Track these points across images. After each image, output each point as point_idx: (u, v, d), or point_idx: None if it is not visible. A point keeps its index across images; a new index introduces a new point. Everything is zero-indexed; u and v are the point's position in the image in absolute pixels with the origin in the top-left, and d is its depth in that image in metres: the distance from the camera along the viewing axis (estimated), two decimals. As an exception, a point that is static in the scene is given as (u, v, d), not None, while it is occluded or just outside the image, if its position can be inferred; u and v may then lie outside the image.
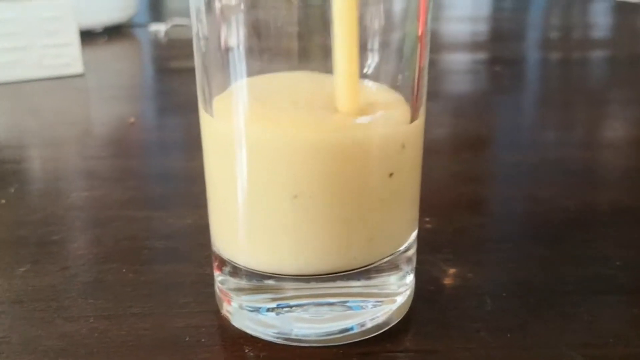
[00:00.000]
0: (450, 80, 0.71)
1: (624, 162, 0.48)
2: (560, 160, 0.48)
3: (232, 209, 0.27)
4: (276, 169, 0.25)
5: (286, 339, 0.27)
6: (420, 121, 0.27)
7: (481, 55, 0.88)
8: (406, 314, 0.29)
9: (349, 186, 0.25)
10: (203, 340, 0.27)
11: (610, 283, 0.31)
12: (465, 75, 0.76)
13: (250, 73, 0.25)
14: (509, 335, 0.27)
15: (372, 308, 0.28)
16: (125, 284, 0.31)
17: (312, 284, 0.27)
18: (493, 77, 0.74)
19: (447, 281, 0.31)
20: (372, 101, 0.26)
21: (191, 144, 0.50)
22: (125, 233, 0.36)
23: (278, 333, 0.27)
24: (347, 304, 0.28)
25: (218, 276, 0.29)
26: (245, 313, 0.28)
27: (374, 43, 0.25)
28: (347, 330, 0.28)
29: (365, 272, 0.27)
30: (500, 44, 0.96)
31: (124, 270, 0.32)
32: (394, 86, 0.26)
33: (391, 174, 0.26)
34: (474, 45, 0.97)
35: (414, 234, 0.30)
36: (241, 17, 0.24)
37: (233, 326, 0.28)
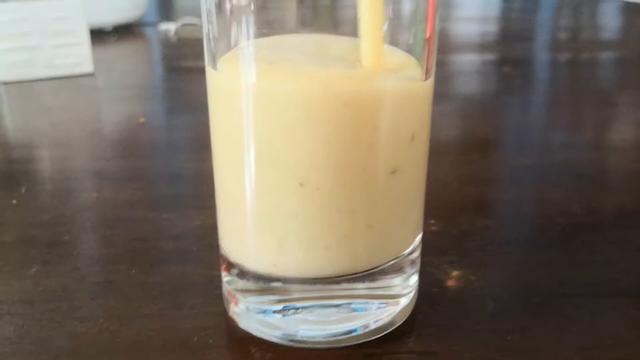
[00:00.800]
0: (459, 81, 0.72)
1: (630, 165, 0.48)
2: (567, 163, 0.48)
3: (239, 197, 0.27)
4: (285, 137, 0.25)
5: (292, 341, 0.28)
6: (431, 81, 0.28)
7: (490, 56, 0.89)
8: (410, 316, 0.29)
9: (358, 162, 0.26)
10: (210, 341, 0.28)
11: (612, 286, 0.31)
12: (474, 76, 0.76)
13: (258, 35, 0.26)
14: (509, 337, 0.28)
15: (376, 310, 0.29)
16: (135, 285, 0.32)
17: (318, 286, 0.28)
18: (502, 78, 0.74)
19: (451, 283, 0.32)
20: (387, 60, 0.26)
21: (200, 145, 0.51)
22: (134, 234, 0.37)
23: (284, 334, 0.28)
24: (352, 306, 0.28)
25: (225, 277, 0.30)
26: (252, 315, 0.28)
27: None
28: (351, 331, 0.28)
29: (370, 274, 0.28)
30: (509, 45, 0.96)
31: (133, 271, 0.33)
32: (406, 48, 0.26)
33: (412, 137, 0.26)
34: (483, 46, 0.97)
35: (419, 237, 0.30)
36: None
37: (240, 328, 0.28)
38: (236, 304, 0.29)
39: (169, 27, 1.00)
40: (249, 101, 0.25)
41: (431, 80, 0.27)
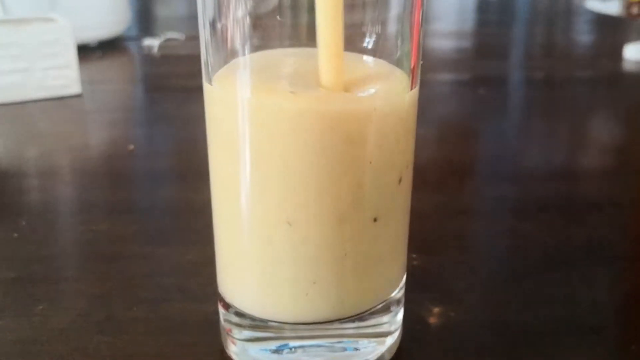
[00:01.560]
0: (434, 103, 0.74)
1: (603, 193, 0.51)
2: (541, 193, 0.51)
3: (230, 236, 0.30)
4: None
5: (288, 379, 0.30)
6: (416, 90, 0.29)
7: (465, 75, 0.91)
8: (396, 353, 0.32)
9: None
10: (211, 380, 0.30)
11: (581, 323, 0.34)
12: (449, 99, 0.79)
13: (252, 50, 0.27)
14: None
15: (364, 348, 0.31)
16: (137, 322, 0.34)
17: (312, 326, 0.30)
18: (477, 101, 0.77)
19: (432, 320, 0.34)
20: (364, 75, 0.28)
21: (189, 174, 0.53)
22: (132, 270, 0.39)
23: (280, 373, 0.30)
24: (342, 345, 0.31)
25: (223, 313, 0.32)
26: (249, 354, 0.31)
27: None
28: (343, 370, 0.30)
29: (359, 315, 0.30)
30: (485, 63, 0.99)
31: (134, 308, 0.35)
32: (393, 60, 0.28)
33: (400, 179, 0.29)
34: (457, 64, 0.99)
35: (404, 277, 0.33)
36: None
37: (238, 366, 0.31)
38: (234, 342, 0.31)
39: (153, 43, 1.02)
40: (242, 116, 0.27)
41: (416, 90, 0.29)
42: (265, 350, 0.30)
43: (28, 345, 0.32)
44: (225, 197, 0.30)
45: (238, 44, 0.27)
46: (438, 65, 0.94)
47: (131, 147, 0.60)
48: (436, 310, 0.35)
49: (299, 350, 0.30)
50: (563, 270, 0.39)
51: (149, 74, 0.94)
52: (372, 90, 0.27)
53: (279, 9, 0.27)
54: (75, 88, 0.75)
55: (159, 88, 0.84)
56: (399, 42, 0.28)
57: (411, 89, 0.28)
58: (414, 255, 0.40)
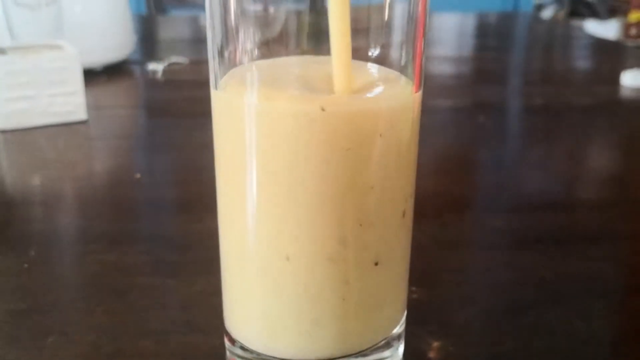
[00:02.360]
0: (433, 132, 0.75)
1: (600, 224, 0.52)
2: (538, 224, 0.52)
3: (235, 271, 0.31)
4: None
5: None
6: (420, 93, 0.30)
7: (464, 101, 0.93)
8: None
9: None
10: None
11: (579, 357, 0.35)
12: (449, 127, 0.80)
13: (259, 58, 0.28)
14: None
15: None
16: (145, 355, 0.35)
17: (315, 362, 0.31)
18: (476, 129, 0.78)
19: (432, 354, 0.35)
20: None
21: (196, 202, 0.54)
22: (140, 302, 0.40)
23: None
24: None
25: (229, 347, 0.33)
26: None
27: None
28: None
29: (361, 352, 0.31)
30: (484, 89, 1.00)
31: (143, 341, 0.36)
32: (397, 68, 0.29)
33: (404, 213, 0.30)
34: (457, 90, 1.01)
35: (405, 313, 0.34)
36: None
37: (245, 401, 0.32)
38: (241, 377, 0.32)
39: (157, 68, 1.03)
40: (248, 119, 0.27)
41: (420, 93, 0.30)
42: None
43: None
44: (229, 230, 0.31)
45: (245, 61, 0.28)
46: (437, 91, 0.95)
47: (138, 175, 0.61)
48: (436, 344, 0.36)
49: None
50: (561, 304, 0.40)
51: (153, 99, 0.96)
52: (379, 92, 0.28)
53: (284, 34, 0.28)
54: (81, 114, 0.76)
55: (164, 113, 0.85)
56: (403, 52, 0.29)
57: (415, 92, 0.29)
58: (413, 288, 0.41)
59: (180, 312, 0.39)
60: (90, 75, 0.93)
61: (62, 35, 0.93)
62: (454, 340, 0.36)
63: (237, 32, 0.28)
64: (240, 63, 0.28)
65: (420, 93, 0.30)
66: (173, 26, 1.71)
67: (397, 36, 0.29)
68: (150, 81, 1.01)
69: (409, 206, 0.31)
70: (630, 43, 2.51)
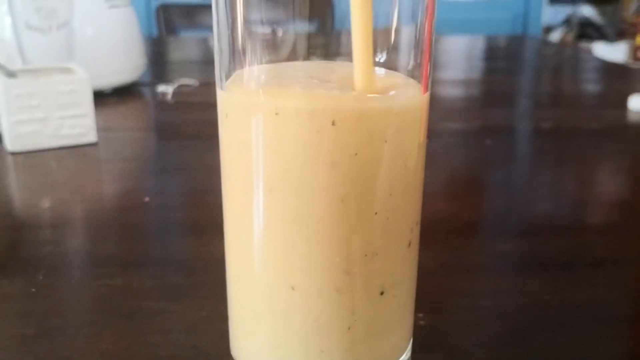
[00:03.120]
0: (441, 155, 0.75)
1: (607, 249, 0.52)
2: (546, 249, 0.52)
3: (242, 299, 0.31)
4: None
5: None
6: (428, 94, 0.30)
7: (473, 125, 0.93)
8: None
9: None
10: None
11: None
12: (457, 150, 0.81)
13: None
14: None
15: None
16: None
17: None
18: (484, 152, 0.79)
19: (439, 382, 0.35)
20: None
21: (204, 226, 0.54)
22: (147, 326, 0.40)
23: None
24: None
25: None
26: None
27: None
28: None
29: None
30: (492, 111, 1.01)
31: (150, 367, 0.36)
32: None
33: (409, 243, 0.30)
34: (465, 113, 1.01)
35: (411, 340, 0.34)
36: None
37: None
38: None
39: (167, 90, 1.04)
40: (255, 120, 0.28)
41: (428, 94, 0.30)
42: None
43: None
44: (234, 257, 0.31)
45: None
46: (446, 114, 0.96)
47: (146, 199, 0.61)
48: (442, 372, 0.36)
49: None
50: (568, 330, 0.40)
51: (162, 121, 0.96)
52: (390, 93, 0.29)
53: (293, 57, 0.29)
54: (91, 137, 0.77)
55: (173, 136, 0.86)
56: (412, 56, 0.29)
57: (423, 94, 0.30)
58: (420, 315, 0.41)
59: (187, 337, 0.39)
60: (100, 97, 0.93)
61: (73, 57, 0.94)
62: (460, 368, 0.36)
63: (244, 54, 0.29)
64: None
65: (428, 94, 0.30)
66: (183, 47, 1.72)
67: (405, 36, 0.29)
68: (160, 103, 1.02)
69: (415, 236, 0.31)
70: (637, 65, 2.51)
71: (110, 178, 0.71)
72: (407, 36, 0.29)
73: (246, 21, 0.28)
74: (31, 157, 0.72)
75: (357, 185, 0.27)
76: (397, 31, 0.28)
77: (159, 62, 1.42)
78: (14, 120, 0.72)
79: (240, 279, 0.31)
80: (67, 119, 0.75)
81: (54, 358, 0.37)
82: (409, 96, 0.29)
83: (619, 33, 2.91)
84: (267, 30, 0.28)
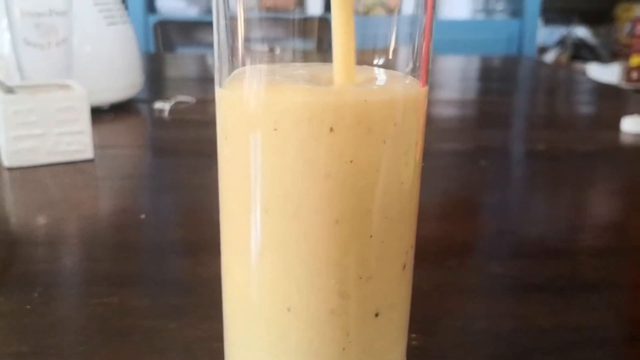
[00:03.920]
0: (435, 176, 0.76)
1: (601, 272, 0.52)
2: (539, 271, 0.52)
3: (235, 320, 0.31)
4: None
5: None
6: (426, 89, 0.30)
7: (467, 145, 0.94)
8: None
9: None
10: None
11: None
12: (451, 171, 0.81)
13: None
14: None
15: None
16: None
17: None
18: (478, 173, 0.79)
19: (432, 404, 0.36)
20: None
21: (201, 245, 0.54)
22: (143, 345, 0.40)
23: None
24: None
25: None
26: None
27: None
28: None
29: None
30: (486, 132, 1.01)
31: (146, 387, 0.36)
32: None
33: (404, 265, 0.30)
34: (459, 133, 1.02)
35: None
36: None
37: None
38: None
39: (163, 107, 1.04)
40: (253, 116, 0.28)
41: (426, 89, 0.30)
42: None
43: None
44: (230, 274, 0.32)
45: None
46: (441, 134, 0.96)
47: (143, 216, 0.62)
48: (435, 394, 0.36)
49: None
50: (562, 353, 0.40)
51: (159, 139, 0.97)
52: (383, 84, 0.29)
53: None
54: (88, 153, 0.77)
55: (170, 153, 0.86)
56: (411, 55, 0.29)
57: (422, 87, 0.30)
58: (413, 335, 0.41)
59: (183, 356, 0.39)
60: (97, 114, 0.94)
61: (72, 74, 0.94)
62: (454, 391, 0.37)
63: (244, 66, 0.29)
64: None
65: (426, 88, 0.30)
66: (180, 64, 1.73)
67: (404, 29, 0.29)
68: (157, 120, 1.02)
69: (410, 259, 0.31)
70: (631, 87, 2.53)
71: (106, 195, 0.71)
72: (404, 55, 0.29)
73: (246, 39, 0.29)
74: (28, 173, 0.73)
75: (353, 203, 0.28)
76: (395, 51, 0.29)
77: (156, 79, 1.43)
78: (12, 136, 0.72)
79: (237, 300, 0.32)
80: (64, 136, 0.75)
81: (49, 376, 0.37)
82: (408, 90, 0.29)
83: (612, 54, 2.93)
84: (265, 48, 0.29)
